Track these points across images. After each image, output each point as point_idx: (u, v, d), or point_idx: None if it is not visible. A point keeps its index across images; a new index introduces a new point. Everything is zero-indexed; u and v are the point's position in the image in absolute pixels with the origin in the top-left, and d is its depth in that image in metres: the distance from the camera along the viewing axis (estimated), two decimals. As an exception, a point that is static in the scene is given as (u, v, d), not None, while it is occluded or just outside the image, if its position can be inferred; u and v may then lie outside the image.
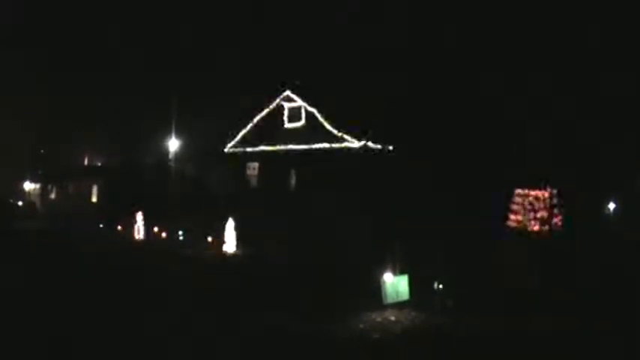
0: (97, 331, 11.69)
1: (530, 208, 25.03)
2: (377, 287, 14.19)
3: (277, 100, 30.19)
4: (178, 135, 43.69)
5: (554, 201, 24.92)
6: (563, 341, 11.44)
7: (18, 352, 10.36)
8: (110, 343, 10.89)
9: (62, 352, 10.38)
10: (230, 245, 23.81)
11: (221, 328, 12.08)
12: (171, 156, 39.56)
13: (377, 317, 13.02)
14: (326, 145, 27.39)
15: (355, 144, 26.58)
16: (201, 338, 11.30)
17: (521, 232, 24.81)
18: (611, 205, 33.88)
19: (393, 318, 13.01)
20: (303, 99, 29.55)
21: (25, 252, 24.71)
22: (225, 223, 23.91)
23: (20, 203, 52.32)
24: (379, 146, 26.64)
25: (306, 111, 29.14)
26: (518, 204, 25.26)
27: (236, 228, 23.79)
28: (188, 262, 21.55)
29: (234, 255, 23.09)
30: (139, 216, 29.36)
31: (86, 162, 59.10)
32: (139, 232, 29.23)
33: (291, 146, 28.66)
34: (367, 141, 26.13)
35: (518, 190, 25.34)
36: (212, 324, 12.30)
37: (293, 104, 29.71)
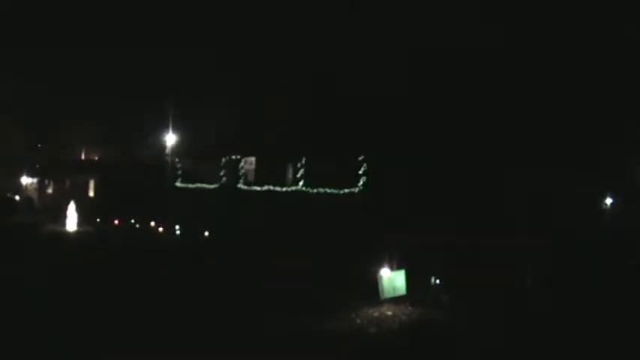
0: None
1: None
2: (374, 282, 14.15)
3: (273, 94, 30.10)
4: (176, 130, 43.56)
5: None
6: (562, 336, 11.41)
7: None
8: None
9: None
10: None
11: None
12: (168, 151, 39.43)
13: (374, 312, 12.98)
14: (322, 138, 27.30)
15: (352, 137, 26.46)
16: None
17: None
18: (609, 200, 33.87)
19: (390, 313, 12.98)
20: (300, 93, 29.47)
21: (22, 244, 24.67)
22: None
23: (17, 198, 52.21)
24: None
25: (303, 105, 29.05)
26: None
27: None
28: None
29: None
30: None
31: (83, 156, 59.00)
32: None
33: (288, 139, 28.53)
34: None
35: None
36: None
37: (289, 97, 29.58)
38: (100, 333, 11.07)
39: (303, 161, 26.77)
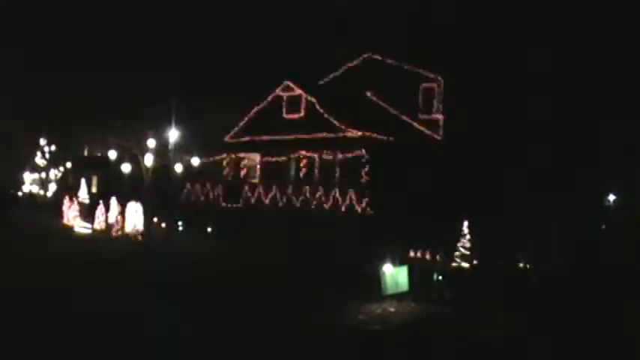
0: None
1: None
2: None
3: (277, 91, 29.93)
4: (179, 125, 43.46)
5: None
6: (565, 332, 11.42)
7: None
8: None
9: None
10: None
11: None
12: (170, 147, 39.40)
13: (376, 308, 12.97)
14: (325, 135, 27.18)
15: (356, 133, 26.40)
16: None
17: None
18: (611, 197, 33.93)
19: (392, 309, 12.97)
20: (303, 89, 29.30)
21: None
22: None
23: (20, 194, 52.33)
24: (384, 137, 26.39)
25: (306, 101, 28.91)
26: None
27: None
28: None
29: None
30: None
31: (86, 153, 59.02)
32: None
33: (291, 136, 28.39)
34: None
35: None
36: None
37: (292, 94, 29.44)
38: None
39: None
